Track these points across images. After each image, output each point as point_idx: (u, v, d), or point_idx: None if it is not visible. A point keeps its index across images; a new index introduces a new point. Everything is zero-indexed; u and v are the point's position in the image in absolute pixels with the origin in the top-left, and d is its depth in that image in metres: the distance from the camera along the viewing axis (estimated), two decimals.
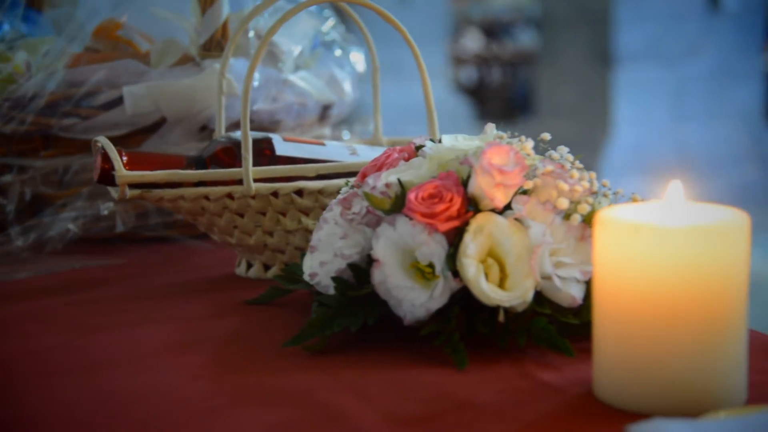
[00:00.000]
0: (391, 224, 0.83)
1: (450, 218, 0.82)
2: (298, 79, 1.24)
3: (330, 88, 1.30)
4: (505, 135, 0.88)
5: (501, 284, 0.82)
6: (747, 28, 6.14)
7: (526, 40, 11.11)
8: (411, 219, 0.82)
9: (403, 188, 0.86)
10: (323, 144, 1.07)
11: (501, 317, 0.81)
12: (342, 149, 1.07)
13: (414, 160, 0.90)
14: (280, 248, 1.04)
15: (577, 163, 0.90)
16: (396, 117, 9.88)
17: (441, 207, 0.82)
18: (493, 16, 12.59)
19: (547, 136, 0.91)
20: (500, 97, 11.07)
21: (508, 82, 11.15)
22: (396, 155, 0.92)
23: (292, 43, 1.22)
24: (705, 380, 0.70)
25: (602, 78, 6.06)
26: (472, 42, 12.19)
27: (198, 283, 1.06)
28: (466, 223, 0.82)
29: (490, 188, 0.82)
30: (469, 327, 0.83)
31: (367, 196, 0.84)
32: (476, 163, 0.82)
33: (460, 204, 0.82)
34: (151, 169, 0.98)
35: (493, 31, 12.21)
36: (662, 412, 0.68)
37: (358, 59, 1.38)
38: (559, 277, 0.82)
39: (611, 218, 0.71)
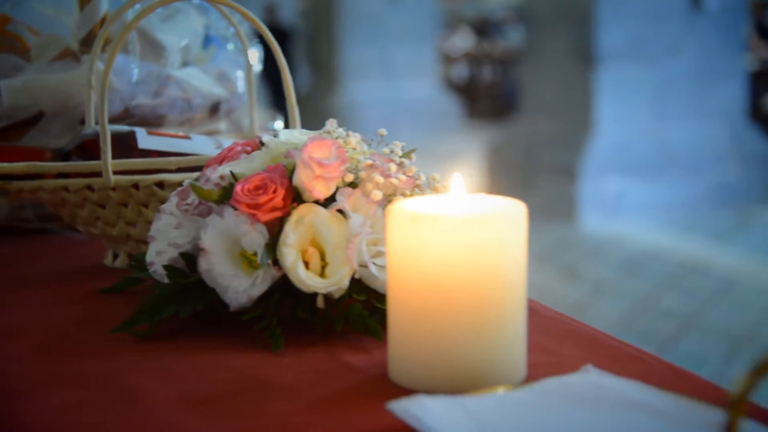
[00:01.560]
0: (219, 214, 0.88)
1: (273, 209, 0.87)
2: (185, 74, 1.28)
3: (220, 84, 1.34)
4: (332, 130, 0.92)
5: (322, 272, 0.87)
6: (729, 28, 6.18)
7: (517, 38, 11.14)
8: (236, 209, 0.87)
9: (235, 180, 0.90)
10: (189, 138, 1.12)
11: (320, 303, 0.86)
12: (208, 143, 1.12)
13: (253, 153, 0.95)
14: (144, 239, 1.08)
15: (412, 158, 0.95)
16: (386, 114, 9.89)
17: (264, 198, 0.87)
18: (486, 15, 12.63)
19: (383, 131, 0.95)
20: (490, 95, 11.12)
21: (498, 80, 11.19)
22: (239, 148, 0.96)
23: (175, 38, 1.26)
24: (485, 360, 0.75)
25: (585, 77, 6.11)
26: (464, 40, 12.23)
27: (63, 273, 1.11)
28: (289, 214, 0.86)
29: (310, 180, 0.87)
30: (291, 313, 0.88)
31: (194, 188, 0.89)
32: (298, 157, 0.87)
33: (284, 195, 0.87)
34: (11, 161, 1.02)
35: (485, 29, 12.26)
36: (447, 391, 0.72)
37: (254, 56, 1.42)
38: (376, 265, 0.86)
39: (396, 209, 0.76)
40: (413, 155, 0.96)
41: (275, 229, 0.87)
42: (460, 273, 0.74)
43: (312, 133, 0.95)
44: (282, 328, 0.87)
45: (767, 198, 6.19)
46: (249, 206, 0.87)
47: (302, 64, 10.70)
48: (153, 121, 1.26)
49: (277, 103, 10.15)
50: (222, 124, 1.39)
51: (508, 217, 0.75)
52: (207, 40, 1.37)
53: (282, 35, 10.35)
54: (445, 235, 0.73)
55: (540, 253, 5.57)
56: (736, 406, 0.49)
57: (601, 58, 6.03)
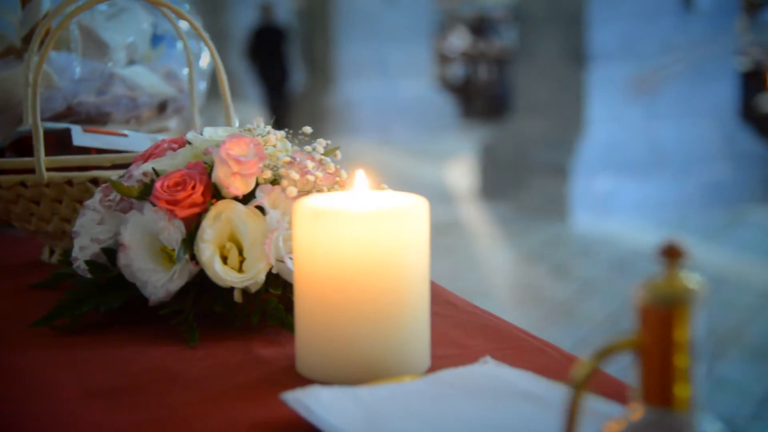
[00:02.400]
0: (139, 210, 0.90)
1: (192, 205, 0.89)
2: (131, 72, 1.30)
3: (168, 82, 1.36)
4: (253, 128, 0.94)
5: (240, 267, 0.88)
6: (721, 28, 6.19)
7: (513, 37, 11.16)
8: (155, 205, 0.88)
9: (157, 176, 0.92)
10: (126, 135, 1.13)
11: (237, 297, 0.88)
12: (145, 140, 1.14)
13: (179, 151, 0.96)
14: None
15: (337, 156, 0.96)
16: (381, 113, 9.86)
17: (183, 194, 0.88)
18: (482, 14, 12.65)
19: (308, 129, 0.96)
20: (485, 95, 11.14)
21: (493, 79, 11.21)
22: (165, 145, 0.98)
23: (120, 37, 1.28)
24: (388, 352, 0.77)
25: (576, 76, 6.11)
26: (460, 40, 12.24)
27: None
28: (207, 210, 0.88)
29: (227, 177, 0.88)
30: (210, 307, 0.89)
31: (113, 184, 0.91)
32: (216, 154, 0.88)
33: (203, 191, 0.89)
34: None
35: (481, 28, 12.26)
36: (350, 382, 0.74)
37: (206, 55, 1.44)
38: (292, 260, 0.88)
39: (301, 204, 0.77)
40: (338, 153, 0.97)
41: (193, 225, 0.89)
42: (361, 267, 0.75)
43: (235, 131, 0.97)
44: (201, 322, 0.89)
45: (757, 197, 6.20)
46: (168, 202, 0.89)
47: (298, 63, 10.71)
48: (98, 119, 1.28)
49: (271, 101, 10.18)
50: (172, 122, 1.41)
51: (409, 212, 0.77)
52: (157, 39, 1.39)
53: (277, 34, 10.37)
54: (346, 230, 0.75)
55: (531, 251, 5.59)
56: (579, 388, 0.51)
57: (592, 57, 6.04)
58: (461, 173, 7.70)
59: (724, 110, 6.28)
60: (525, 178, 6.43)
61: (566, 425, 0.52)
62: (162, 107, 1.37)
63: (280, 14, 10.89)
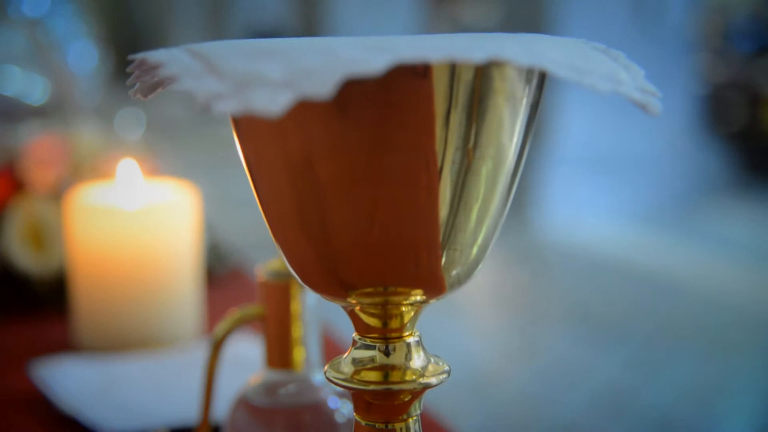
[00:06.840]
0: None
1: None
2: (6, 75, 1.36)
3: (56, 83, 1.42)
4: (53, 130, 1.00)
5: (43, 255, 0.94)
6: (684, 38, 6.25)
7: None
8: None
9: None
10: None
11: (39, 283, 0.94)
12: None
13: None
14: None
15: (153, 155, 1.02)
16: None
17: None
18: (467, 25, 12.71)
19: (80, 134, 1.02)
20: None
21: None
22: None
23: None
24: (163, 330, 0.82)
25: None
26: None
27: None
28: (11, 204, 0.94)
29: (31, 173, 0.94)
30: (16, 292, 0.96)
31: None
32: (22, 152, 0.95)
33: (7, 186, 0.94)
34: None
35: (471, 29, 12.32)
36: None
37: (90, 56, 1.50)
38: None
39: (71, 198, 0.83)
40: (155, 152, 1.03)
41: None
42: (124, 256, 0.82)
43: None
44: (7, 305, 0.94)
45: (719, 207, 6.25)
46: None
47: None
48: None
49: None
50: (57, 120, 1.46)
51: (173, 207, 0.82)
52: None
53: None
54: (108, 224, 0.81)
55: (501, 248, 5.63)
56: (215, 347, 0.57)
57: None
58: None
59: (686, 115, 6.33)
60: None
61: (204, 380, 0.58)
62: (44, 108, 1.43)
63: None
